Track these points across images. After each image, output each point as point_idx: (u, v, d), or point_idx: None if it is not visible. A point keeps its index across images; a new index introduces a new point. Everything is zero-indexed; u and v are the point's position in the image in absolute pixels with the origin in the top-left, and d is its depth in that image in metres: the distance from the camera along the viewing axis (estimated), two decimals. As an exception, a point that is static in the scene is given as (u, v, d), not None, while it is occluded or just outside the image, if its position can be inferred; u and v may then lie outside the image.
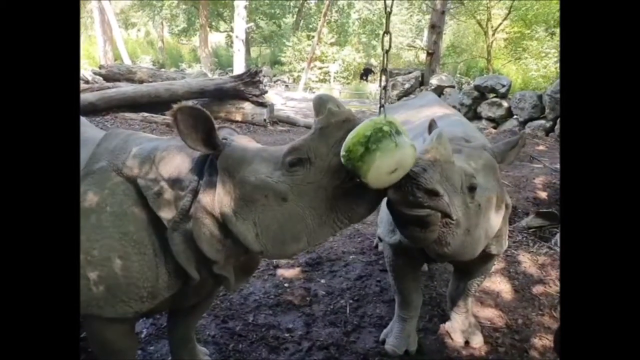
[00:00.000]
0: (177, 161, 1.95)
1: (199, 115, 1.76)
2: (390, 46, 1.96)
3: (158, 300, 1.99)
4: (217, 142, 1.83)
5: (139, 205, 1.94)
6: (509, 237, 4.54)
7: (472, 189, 2.11)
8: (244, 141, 1.99)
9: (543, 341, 3.10)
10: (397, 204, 1.94)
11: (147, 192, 1.92)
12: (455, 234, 2.08)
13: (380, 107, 1.96)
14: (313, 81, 24.61)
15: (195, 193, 1.88)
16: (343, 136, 1.74)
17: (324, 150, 1.76)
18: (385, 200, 1.96)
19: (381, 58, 1.98)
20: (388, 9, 1.97)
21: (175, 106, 1.72)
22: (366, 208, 1.85)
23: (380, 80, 1.93)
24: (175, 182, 1.92)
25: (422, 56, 21.43)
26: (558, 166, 7.45)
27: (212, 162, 1.88)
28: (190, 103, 1.78)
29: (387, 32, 1.93)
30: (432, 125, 2.49)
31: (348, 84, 25.48)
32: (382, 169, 1.67)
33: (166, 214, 1.91)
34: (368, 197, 1.80)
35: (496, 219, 2.34)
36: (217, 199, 1.82)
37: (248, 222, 1.80)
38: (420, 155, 1.98)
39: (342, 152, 1.67)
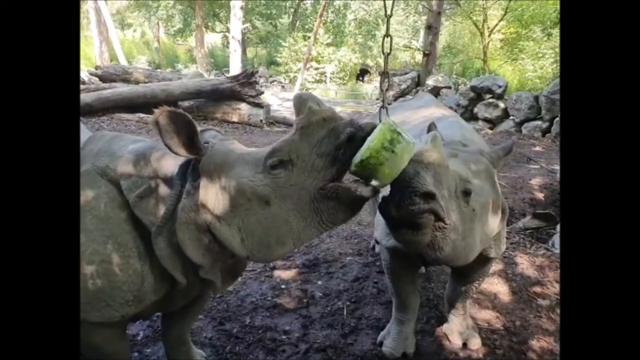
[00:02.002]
0: (170, 162, 1.92)
1: (181, 119, 1.72)
2: (390, 49, 1.96)
3: (144, 304, 1.96)
4: (200, 145, 1.81)
5: (123, 208, 1.90)
6: (506, 238, 4.54)
7: (466, 193, 2.09)
8: (227, 144, 1.95)
9: (541, 343, 3.10)
10: (389, 206, 1.93)
11: (129, 195, 1.88)
12: (449, 239, 2.06)
13: (380, 110, 1.96)
14: (309, 82, 24.59)
15: (178, 197, 1.84)
16: (325, 135, 1.71)
17: (306, 150, 1.72)
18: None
19: (377, 59, 1.99)
20: (388, 12, 1.96)
21: (156, 111, 1.69)
22: (348, 211, 1.81)
23: (382, 83, 1.92)
24: (162, 184, 1.90)
25: (419, 57, 21.45)
26: (555, 167, 7.47)
27: (196, 166, 1.84)
28: (185, 105, 1.74)
29: (387, 35, 1.92)
30: (431, 128, 2.48)
31: (344, 84, 25.47)
32: (401, 169, 1.71)
33: (149, 218, 1.87)
34: (350, 200, 1.75)
35: (492, 224, 2.33)
36: (201, 203, 1.79)
37: (232, 227, 1.78)
38: (414, 158, 1.96)
39: (360, 159, 1.64)
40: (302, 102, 1.76)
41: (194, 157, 1.82)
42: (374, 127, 1.70)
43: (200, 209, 1.79)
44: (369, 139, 1.65)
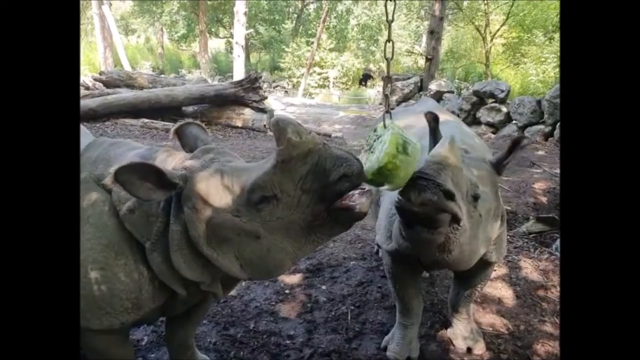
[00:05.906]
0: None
1: (142, 167, 1.68)
2: (392, 54, 1.97)
3: (143, 311, 1.96)
4: (174, 181, 1.73)
5: (120, 217, 1.89)
6: (510, 242, 4.54)
7: (475, 198, 2.11)
8: (204, 163, 1.84)
9: (545, 347, 3.09)
10: (408, 202, 1.92)
11: (119, 206, 1.87)
12: (458, 242, 2.07)
13: (384, 115, 1.98)
14: (312, 87, 24.66)
15: (166, 222, 1.82)
16: (308, 171, 1.65)
17: (290, 186, 1.67)
18: (382, 207, 1.96)
19: (380, 64, 2.01)
20: (389, 17, 1.98)
21: (111, 170, 1.63)
22: (344, 227, 1.83)
23: (384, 88, 1.94)
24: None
25: (421, 62, 21.43)
26: (558, 171, 7.46)
27: (179, 196, 1.79)
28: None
29: (389, 40, 1.94)
30: (429, 120, 2.45)
31: (347, 89, 25.51)
32: (414, 170, 1.83)
33: (139, 231, 1.86)
34: (344, 218, 1.74)
35: (492, 231, 2.35)
36: (191, 235, 1.76)
37: (229, 256, 1.79)
38: (433, 159, 1.97)
39: (377, 166, 1.72)
40: (280, 131, 1.63)
41: (172, 192, 1.77)
42: (361, 165, 1.68)
43: (193, 239, 1.77)
44: (381, 147, 1.70)
